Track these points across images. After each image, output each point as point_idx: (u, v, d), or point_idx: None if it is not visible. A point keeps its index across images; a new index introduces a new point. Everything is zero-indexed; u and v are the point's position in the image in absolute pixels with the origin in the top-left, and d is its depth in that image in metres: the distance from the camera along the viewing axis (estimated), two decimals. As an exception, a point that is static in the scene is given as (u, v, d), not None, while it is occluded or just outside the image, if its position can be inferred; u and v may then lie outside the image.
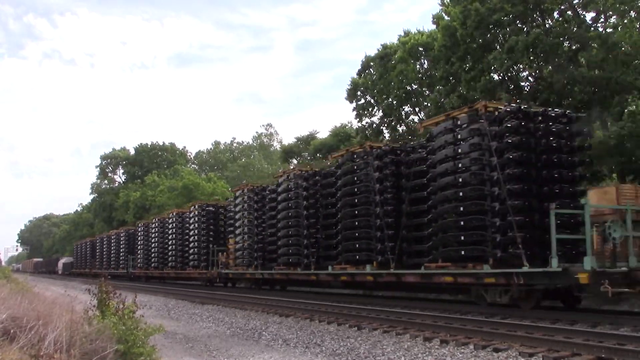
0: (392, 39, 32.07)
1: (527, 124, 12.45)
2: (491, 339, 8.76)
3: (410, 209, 15.03)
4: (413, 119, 31.42)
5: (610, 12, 19.51)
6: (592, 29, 20.13)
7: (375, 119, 32.63)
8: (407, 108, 31.25)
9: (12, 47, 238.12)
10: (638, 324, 9.38)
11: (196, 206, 30.52)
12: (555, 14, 21.54)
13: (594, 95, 19.24)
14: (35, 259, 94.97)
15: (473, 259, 12.53)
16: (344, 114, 48.07)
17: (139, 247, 39.99)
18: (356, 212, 16.49)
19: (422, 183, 14.51)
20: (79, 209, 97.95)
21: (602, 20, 20.50)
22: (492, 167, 12.26)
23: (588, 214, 10.59)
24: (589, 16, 20.76)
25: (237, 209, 24.95)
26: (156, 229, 36.65)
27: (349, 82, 33.01)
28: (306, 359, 9.04)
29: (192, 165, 74.58)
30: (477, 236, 12.41)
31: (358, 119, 33.31)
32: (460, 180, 12.88)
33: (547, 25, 21.30)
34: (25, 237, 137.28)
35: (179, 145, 79.00)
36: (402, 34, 31.10)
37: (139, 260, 39.69)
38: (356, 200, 16.56)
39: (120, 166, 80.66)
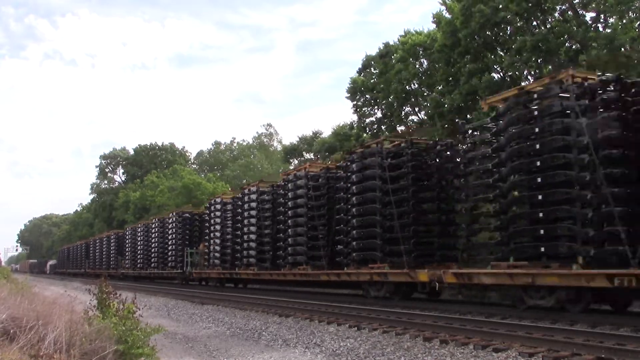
0: (392, 39, 32.03)
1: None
2: (491, 339, 8.75)
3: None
4: (412, 119, 31.45)
5: (609, 13, 19.51)
6: (592, 29, 20.14)
7: (374, 119, 32.63)
8: (407, 108, 31.25)
9: (14, 48, 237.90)
10: (638, 324, 9.36)
11: (174, 213, 34.25)
12: (556, 14, 21.56)
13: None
14: (31, 261, 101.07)
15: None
16: (345, 114, 47.98)
17: (127, 249, 43.00)
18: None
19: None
20: (78, 209, 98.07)
21: (602, 20, 20.52)
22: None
23: None
24: (589, 16, 20.80)
25: (212, 215, 27.55)
26: (141, 233, 39.70)
27: (349, 81, 33.02)
28: (306, 359, 9.04)
29: (192, 165, 74.56)
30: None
31: (358, 118, 33.31)
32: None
33: (547, 25, 21.31)
34: (25, 237, 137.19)
35: (179, 146, 79.21)
36: (402, 34, 31.11)
37: (126, 261, 42.97)
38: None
39: (120, 166, 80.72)
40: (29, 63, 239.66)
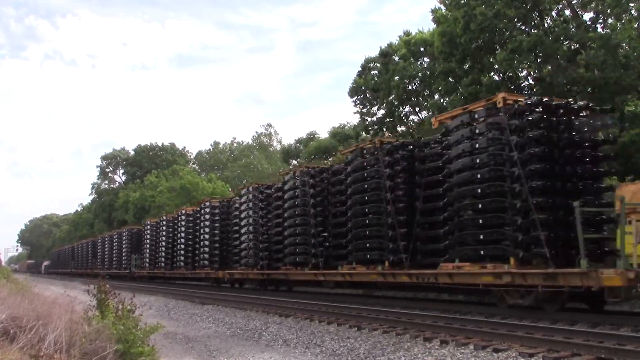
0: (392, 39, 32.06)
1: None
2: (491, 339, 8.76)
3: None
4: (413, 119, 31.45)
5: (609, 11, 19.52)
6: (591, 29, 20.15)
7: (375, 119, 32.63)
8: (407, 108, 31.27)
9: (14, 49, 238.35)
10: (638, 324, 9.37)
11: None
12: (554, 14, 21.57)
13: (593, 96, 19.24)
14: (29, 261, 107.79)
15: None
16: (345, 115, 47.94)
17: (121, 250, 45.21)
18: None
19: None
20: (79, 209, 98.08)
21: (600, 21, 20.52)
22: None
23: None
24: (588, 17, 20.81)
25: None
26: (116, 240, 44.92)
27: (352, 82, 32.99)
28: (306, 359, 9.04)
29: (193, 166, 74.56)
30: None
31: (360, 118, 33.33)
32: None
33: (546, 25, 21.32)
34: (25, 237, 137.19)
35: (179, 146, 79.14)
36: (403, 34, 31.10)
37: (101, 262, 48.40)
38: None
39: (120, 166, 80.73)
40: (29, 63, 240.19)
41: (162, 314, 17.32)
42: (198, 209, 29.16)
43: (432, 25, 27.71)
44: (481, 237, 12.00)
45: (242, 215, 23.94)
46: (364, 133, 32.71)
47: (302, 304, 15.92)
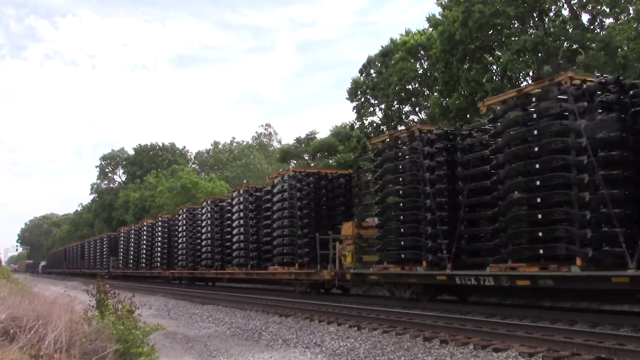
0: (395, 37, 32.07)
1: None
2: (491, 339, 8.75)
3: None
4: (413, 119, 31.44)
5: (608, 11, 19.53)
6: (590, 30, 20.18)
7: (375, 119, 32.65)
8: (407, 108, 31.27)
9: (14, 49, 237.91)
10: (638, 324, 9.37)
11: (160, 218, 36.18)
12: (552, 14, 21.59)
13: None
14: (27, 261, 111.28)
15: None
16: (345, 115, 47.93)
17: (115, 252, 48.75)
18: (401, 204, 14.74)
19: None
20: (79, 209, 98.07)
21: (598, 22, 20.54)
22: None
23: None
24: (586, 18, 20.84)
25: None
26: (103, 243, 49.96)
27: (351, 82, 33.00)
28: (306, 359, 9.04)
29: (192, 165, 74.54)
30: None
31: (358, 118, 33.30)
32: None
33: (545, 26, 21.34)
34: (25, 237, 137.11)
35: (179, 146, 79.07)
36: (403, 33, 31.10)
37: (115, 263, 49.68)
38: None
39: (120, 166, 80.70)
40: (29, 64, 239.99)
41: (162, 314, 17.32)
42: (154, 221, 36.75)
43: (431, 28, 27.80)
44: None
45: (180, 229, 29.88)
46: (359, 132, 32.65)
47: (302, 304, 15.92)
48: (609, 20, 20.02)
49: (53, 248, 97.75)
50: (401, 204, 14.77)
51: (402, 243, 14.52)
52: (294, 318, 13.37)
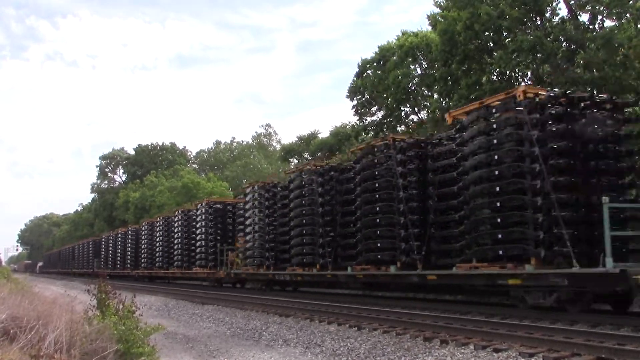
0: (392, 40, 31.98)
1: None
2: (491, 339, 8.75)
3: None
4: (412, 119, 31.43)
5: (607, 12, 19.51)
6: (589, 30, 20.16)
7: (375, 118, 32.63)
8: (406, 108, 31.25)
9: (15, 49, 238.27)
10: (638, 324, 9.37)
11: (146, 222, 39.98)
12: (548, 15, 21.58)
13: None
14: (26, 261, 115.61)
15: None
16: (345, 115, 47.85)
17: (102, 253, 53.26)
18: (377, 209, 15.46)
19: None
20: (79, 209, 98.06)
21: (598, 22, 20.51)
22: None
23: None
24: (585, 18, 20.82)
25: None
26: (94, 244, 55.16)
27: (351, 82, 32.97)
28: (306, 359, 9.04)
29: (193, 165, 74.52)
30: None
31: (358, 119, 33.31)
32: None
33: (544, 26, 21.32)
34: (25, 237, 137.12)
35: (180, 145, 79.04)
36: (398, 35, 31.06)
37: (102, 262, 53.60)
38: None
39: (120, 166, 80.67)
40: (30, 64, 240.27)
41: (162, 314, 17.33)
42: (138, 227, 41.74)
43: (429, 27, 27.76)
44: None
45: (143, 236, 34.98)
46: (363, 134, 32.68)
47: (302, 304, 15.92)
48: (608, 23, 20.02)
49: (53, 248, 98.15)
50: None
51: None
52: (294, 318, 13.37)
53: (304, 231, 18.80)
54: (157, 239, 35.49)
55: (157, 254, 35.28)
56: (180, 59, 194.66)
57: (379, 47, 31.22)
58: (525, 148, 11.34)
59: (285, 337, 10.99)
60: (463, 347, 8.62)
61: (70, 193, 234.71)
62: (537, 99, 11.49)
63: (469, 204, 12.47)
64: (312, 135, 46.20)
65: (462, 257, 12.63)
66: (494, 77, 22.95)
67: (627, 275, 9.34)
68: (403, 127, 31.50)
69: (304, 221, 18.88)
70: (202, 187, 49.65)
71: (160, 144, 76.74)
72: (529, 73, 22.34)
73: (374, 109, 32.55)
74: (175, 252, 31.71)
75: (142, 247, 38.50)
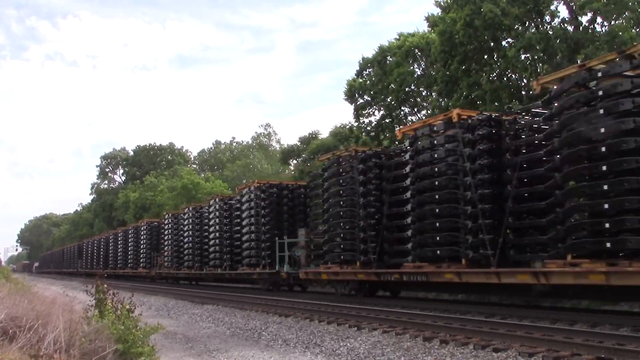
0: (389, 40, 31.99)
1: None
2: (491, 339, 8.75)
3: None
4: (412, 120, 31.38)
5: (604, 15, 19.53)
6: (589, 30, 20.19)
7: (374, 119, 32.60)
8: (406, 109, 31.23)
9: (15, 49, 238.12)
10: (638, 324, 9.37)
11: (140, 224, 41.21)
12: (548, 17, 21.61)
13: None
14: (24, 262, 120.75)
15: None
16: (345, 115, 47.82)
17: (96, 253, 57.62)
18: (341, 213, 17.08)
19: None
20: (79, 209, 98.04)
21: (598, 22, 20.55)
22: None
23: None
24: (585, 19, 20.86)
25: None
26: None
27: (346, 84, 32.98)
28: (306, 359, 9.04)
29: (193, 165, 74.49)
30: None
31: (356, 120, 33.26)
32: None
33: (545, 26, 21.34)
34: (25, 237, 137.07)
35: (178, 146, 79.04)
36: (398, 36, 31.02)
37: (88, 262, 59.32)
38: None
39: (120, 166, 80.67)
40: (30, 64, 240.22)
41: (162, 314, 17.32)
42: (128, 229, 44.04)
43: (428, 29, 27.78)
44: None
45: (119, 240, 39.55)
46: (364, 136, 32.64)
47: (301, 304, 15.91)
48: (606, 23, 20.03)
49: (53, 248, 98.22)
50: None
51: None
52: (293, 318, 13.36)
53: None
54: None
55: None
56: (181, 59, 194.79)
57: (378, 47, 31.24)
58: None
59: (284, 337, 10.98)
60: (463, 347, 8.62)
61: (70, 193, 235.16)
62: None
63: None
64: (312, 136, 46.17)
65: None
66: (494, 77, 22.95)
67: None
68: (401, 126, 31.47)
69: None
70: (201, 187, 49.62)
71: (159, 144, 76.82)
72: (529, 72, 22.36)
73: (374, 109, 32.51)
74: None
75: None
